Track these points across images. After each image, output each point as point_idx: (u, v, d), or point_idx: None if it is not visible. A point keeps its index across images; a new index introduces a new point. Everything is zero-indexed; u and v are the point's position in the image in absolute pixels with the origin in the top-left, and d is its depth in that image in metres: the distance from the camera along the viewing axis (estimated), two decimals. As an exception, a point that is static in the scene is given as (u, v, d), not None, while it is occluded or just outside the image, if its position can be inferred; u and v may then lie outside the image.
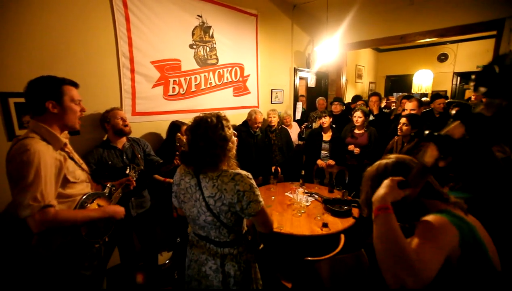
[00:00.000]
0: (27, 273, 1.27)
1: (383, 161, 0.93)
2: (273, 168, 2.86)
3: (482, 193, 1.22)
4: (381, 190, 0.80)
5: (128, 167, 1.84)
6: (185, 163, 1.19)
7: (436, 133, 0.66)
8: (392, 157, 0.92)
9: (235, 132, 1.25)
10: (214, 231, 1.17)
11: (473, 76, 0.64)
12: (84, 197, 1.27)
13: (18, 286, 1.50)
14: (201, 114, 1.16)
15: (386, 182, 0.82)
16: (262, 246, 1.30)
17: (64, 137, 1.26)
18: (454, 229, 0.73)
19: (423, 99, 4.90)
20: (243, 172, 1.14)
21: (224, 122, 1.15)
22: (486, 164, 1.22)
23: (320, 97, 4.58)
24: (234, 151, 1.20)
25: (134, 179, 1.75)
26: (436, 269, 0.66)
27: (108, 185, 1.49)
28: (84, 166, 1.38)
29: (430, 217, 0.77)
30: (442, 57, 7.07)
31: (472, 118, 0.61)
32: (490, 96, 0.61)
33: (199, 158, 1.12)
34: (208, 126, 1.11)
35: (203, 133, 1.10)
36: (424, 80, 5.92)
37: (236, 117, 3.41)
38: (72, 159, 1.29)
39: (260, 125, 3.09)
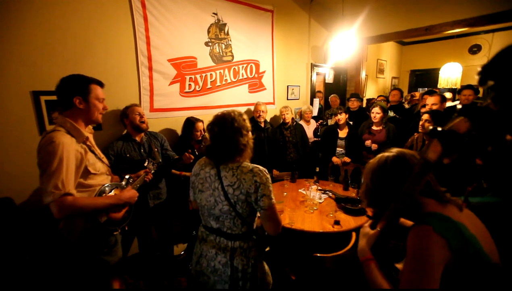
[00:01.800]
0: (53, 255, 1.39)
1: (385, 154, 0.91)
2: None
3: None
4: (360, 242, 0.94)
5: (146, 160, 1.94)
6: (210, 156, 1.24)
7: (439, 129, 0.63)
8: (393, 151, 0.90)
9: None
10: (229, 221, 1.21)
11: (479, 68, 0.59)
12: (104, 187, 1.37)
13: (44, 267, 1.64)
14: (219, 113, 1.25)
15: (361, 231, 0.98)
16: (268, 248, 1.33)
17: (88, 131, 1.37)
18: (440, 238, 0.72)
19: (446, 94, 4.62)
20: (261, 167, 1.21)
21: (244, 115, 1.27)
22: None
23: (332, 95, 4.46)
24: (252, 140, 1.28)
25: (152, 171, 1.84)
26: (437, 285, 0.70)
27: (126, 177, 1.59)
28: (104, 159, 1.47)
29: (414, 233, 0.77)
30: (475, 49, 6.59)
31: (478, 113, 0.58)
32: (498, 90, 0.57)
33: (227, 148, 1.19)
34: (234, 119, 1.21)
35: (230, 125, 1.19)
36: (452, 74, 5.54)
37: (251, 113, 3.44)
38: (93, 152, 1.38)
39: (261, 114, 3.09)
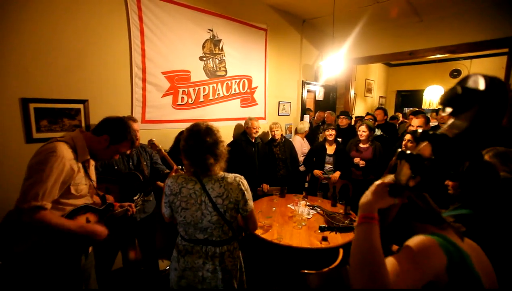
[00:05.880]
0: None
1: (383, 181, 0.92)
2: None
3: (483, 209, 1.22)
4: (369, 196, 0.75)
5: (138, 194, 1.89)
6: (196, 166, 1.26)
7: (407, 152, 0.66)
8: (387, 178, 0.90)
9: None
10: (217, 231, 1.27)
11: (440, 96, 0.66)
12: (79, 207, 1.32)
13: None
14: (192, 125, 1.30)
15: (376, 186, 0.77)
16: (244, 234, 1.48)
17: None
18: (442, 252, 0.69)
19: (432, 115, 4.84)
20: (239, 175, 1.34)
21: (215, 126, 1.34)
22: (488, 180, 1.23)
23: (327, 111, 4.60)
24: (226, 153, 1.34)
25: (137, 207, 1.80)
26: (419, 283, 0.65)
27: (107, 202, 1.52)
28: (93, 183, 1.45)
29: (418, 237, 0.73)
30: (455, 73, 6.99)
31: (436, 139, 0.62)
32: (455, 115, 0.63)
33: (206, 154, 1.24)
34: (211, 129, 1.29)
35: (209, 133, 1.27)
36: (434, 96, 5.86)
37: (242, 128, 3.48)
38: (87, 173, 1.37)
39: (257, 131, 3.11)
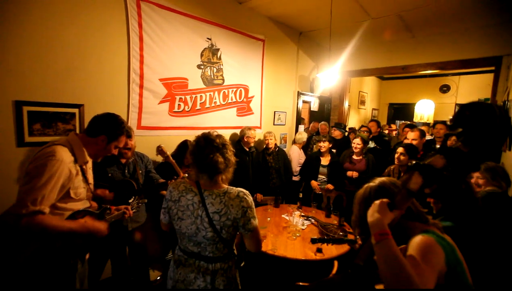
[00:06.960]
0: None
1: (369, 184, 1.00)
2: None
3: (463, 222, 1.31)
4: (377, 214, 0.83)
5: (133, 197, 1.86)
6: (203, 171, 1.22)
7: (421, 163, 0.77)
8: (376, 181, 0.99)
9: None
10: (211, 247, 1.21)
11: (450, 117, 0.78)
12: (75, 212, 1.30)
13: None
14: (205, 132, 1.28)
15: (378, 205, 0.85)
16: (243, 263, 1.36)
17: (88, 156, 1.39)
18: (440, 248, 0.80)
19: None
20: (245, 190, 1.26)
21: (223, 136, 1.32)
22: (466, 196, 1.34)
23: (322, 122, 4.66)
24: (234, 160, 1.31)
25: (134, 210, 1.78)
26: (432, 287, 0.74)
27: (103, 206, 1.52)
28: (91, 186, 1.44)
29: (420, 238, 0.83)
30: (444, 88, 7.22)
31: (452, 153, 0.74)
32: (464, 135, 0.73)
33: (215, 164, 1.20)
34: (220, 136, 1.29)
35: (221, 142, 1.26)
36: (425, 109, 6.04)
37: (238, 137, 3.48)
38: (84, 176, 1.35)
39: (254, 140, 3.13)
